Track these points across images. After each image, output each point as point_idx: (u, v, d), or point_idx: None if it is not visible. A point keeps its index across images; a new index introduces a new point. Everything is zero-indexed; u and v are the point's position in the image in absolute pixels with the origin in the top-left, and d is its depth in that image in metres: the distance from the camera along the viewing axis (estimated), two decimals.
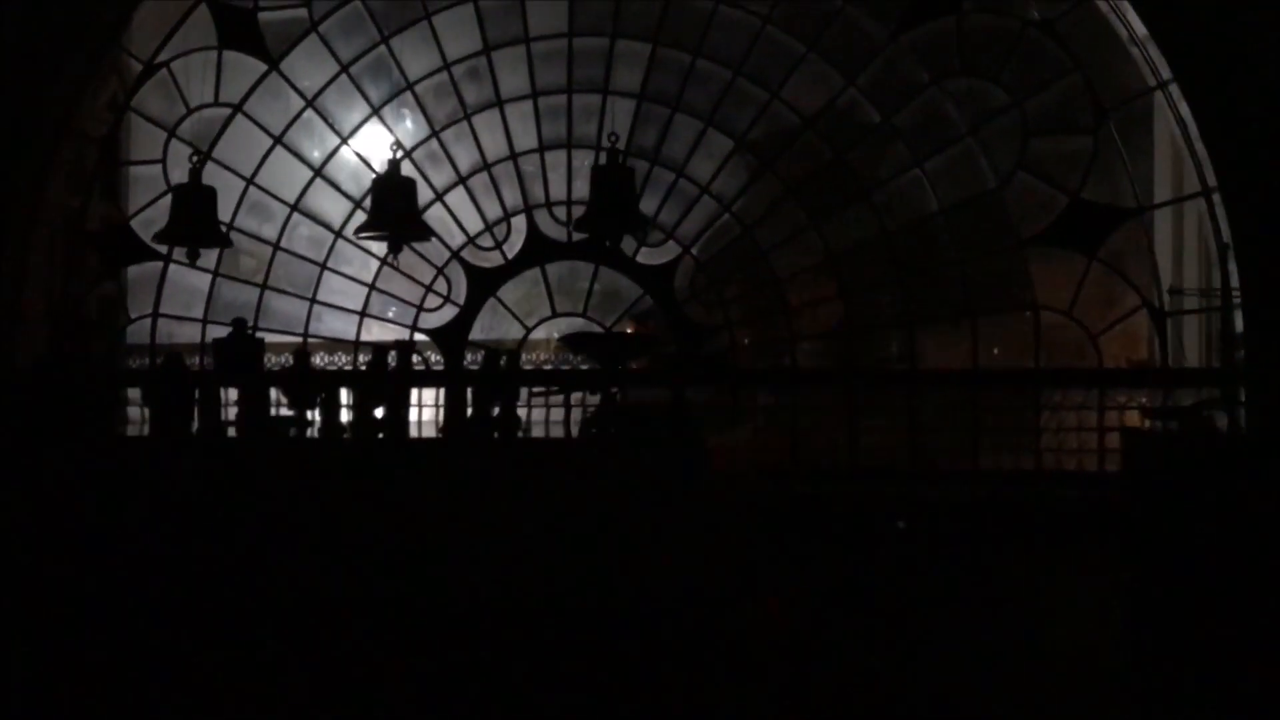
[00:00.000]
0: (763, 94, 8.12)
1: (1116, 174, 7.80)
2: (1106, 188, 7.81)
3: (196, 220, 5.72)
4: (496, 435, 5.41)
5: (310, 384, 5.65)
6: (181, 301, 8.73)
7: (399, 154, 5.75)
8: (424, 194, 8.43)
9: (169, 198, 8.52)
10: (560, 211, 8.36)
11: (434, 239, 8.38)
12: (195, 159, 5.84)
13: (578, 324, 8.43)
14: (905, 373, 7.95)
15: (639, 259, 8.27)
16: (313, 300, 8.48)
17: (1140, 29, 7.64)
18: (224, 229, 8.48)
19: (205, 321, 8.64)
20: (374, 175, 5.65)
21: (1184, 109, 7.62)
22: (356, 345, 8.52)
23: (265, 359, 8.51)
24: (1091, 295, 7.80)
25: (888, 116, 7.98)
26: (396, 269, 6.13)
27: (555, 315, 8.40)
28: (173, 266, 8.67)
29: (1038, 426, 7.87)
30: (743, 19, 8.15)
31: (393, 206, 5.60)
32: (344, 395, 6.91)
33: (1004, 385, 7.92)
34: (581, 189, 8.34)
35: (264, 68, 8.58)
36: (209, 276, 8.61)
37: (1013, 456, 7.92)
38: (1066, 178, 7.83)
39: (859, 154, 8.08)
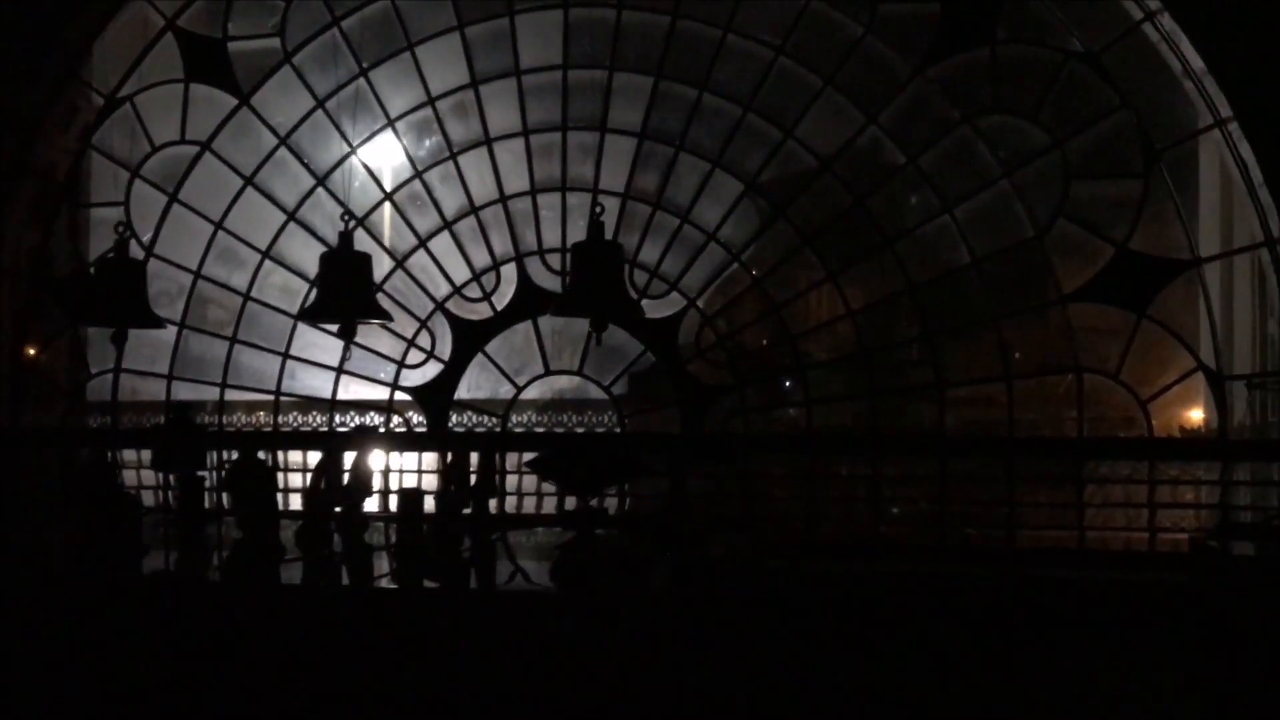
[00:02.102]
0: (776, 133, 7.38)
1: (1167, 222, 7.03)
2: (1156, 237, 7.04)
3: (122, 299, 4.99)
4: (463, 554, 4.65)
5: (258, 484, 4.92)
6: (146, 355, 8.06)
7: (350, 224, 5.01)
8: (406, 239, 7.81)
9: (131, 245, 8.01)
10: (554, 259, 7.65)
11: (419, 289, 7.77)
12: (121, 229, 5.12)
13: (574, 383, 7.74)
14: (933, 440, 7.19)
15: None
16: (285, 355, 7.80)
17: (1196, 62, 6.86)
18: (193, 277, 7.94)
19: (170, 378, 7.98)
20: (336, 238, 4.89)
21: (1245, 150, 6.84)
22: (333, 404, 7.83)
23: (232, 419, 7.92)
24: (1141, 356, 7.02)
25: (914, 158, 7.22)
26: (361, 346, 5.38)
27: (549, 373, 7.69)
28: None
29: (1081, 501, 7.10)
30: (753, 50, 7.42)
31: (344, 287, 4.88)
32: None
33: (1044, 455, 7.15)
34: (576, 235, 7.64)
35: (234, 102, 7.92)
36: (174, 329, 7.95)
37: (1053, 533, 7.15)
38: (1112, 226, 7.05)
39: (882, 199, 7.32)
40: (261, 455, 5.14)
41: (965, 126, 7.17)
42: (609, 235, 7.46)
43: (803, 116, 7.34)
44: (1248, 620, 4.92)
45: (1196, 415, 7.25)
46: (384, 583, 4.58)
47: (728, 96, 7.43)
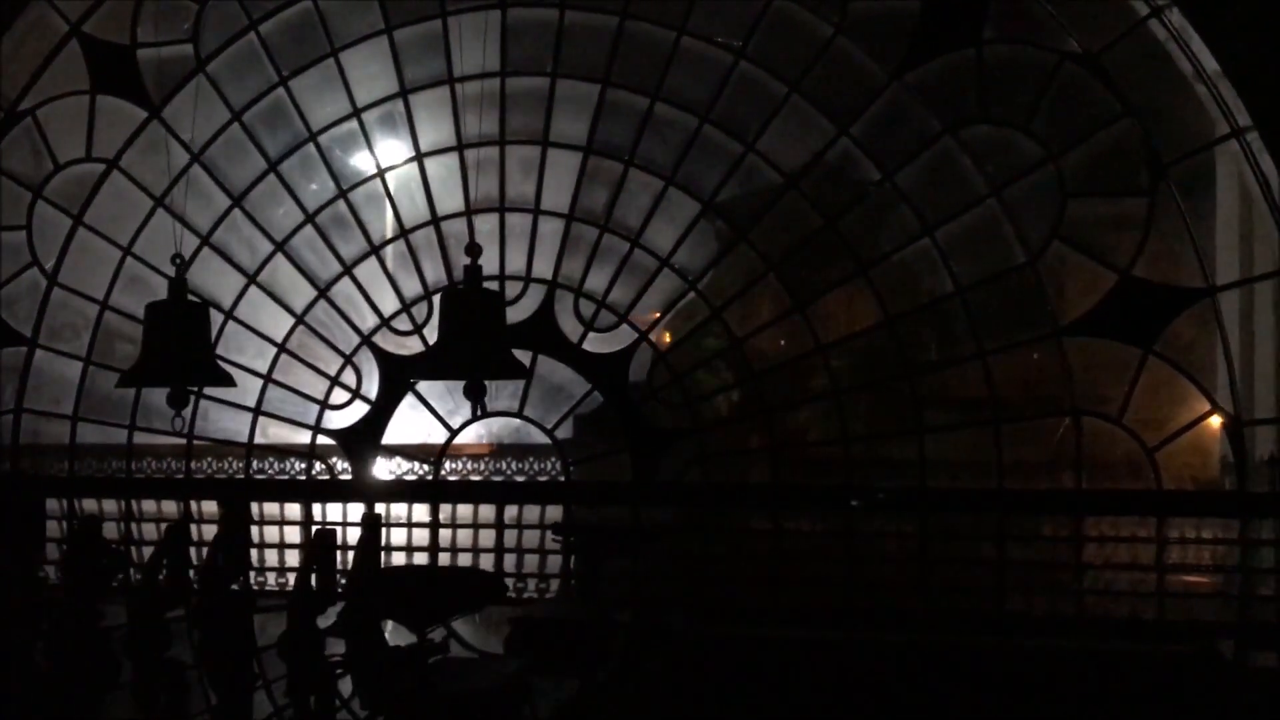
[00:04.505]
0: (736, 146, 6.59)
1: (1177, 245, 6.20)
2: (1164, 262, 6.21)
3: None
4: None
5: (103, 563, 4.18)
6: (49, 394, 7.35)
7: (180, 266, 4.27)
8: (330, 266, 7.07)
9: (34, 273, 7.34)
10: (491, 288, 6.85)
11: (343, 321, 7.03)
12: None
13: (513, 426, 6.96)
14: (914, 492, 6.37)
15: (586, 346, 6.78)
16: (199, 394, 7.01)
17: (1210, 63, 6.04)
18: (99, 308, 7.22)
19: (75, 419, 7.25)
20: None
21: (1265, 163, 6.02)
22: (249, 449, 7.07)
23: (141, 465, 7.22)
24: (1148, 398, 6.20)
25: (890, 174, 6.41)
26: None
27: (486, 414, 6.90)
28: (39, 353, 7.31)
29: (1080, 562, 6.30)
30: (711, 54, 6.63)
31: (174, 343, 4.12)
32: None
33: (1037, 510, 6.35)
34: (517, 260, 6.88)
35: (145, 115, 7.19)
36: (79, 365, 7.23)
37: (1049, 597, 6.36)
38: (1115, 250, 6.23)
39: (855, 220, 6.52)
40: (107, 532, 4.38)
41: (948, 138, 6.35)
42: (553, 260, 6.78)
43: (766, 128, 6.55)
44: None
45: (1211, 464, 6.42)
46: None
47: (683, 106, 6.64)
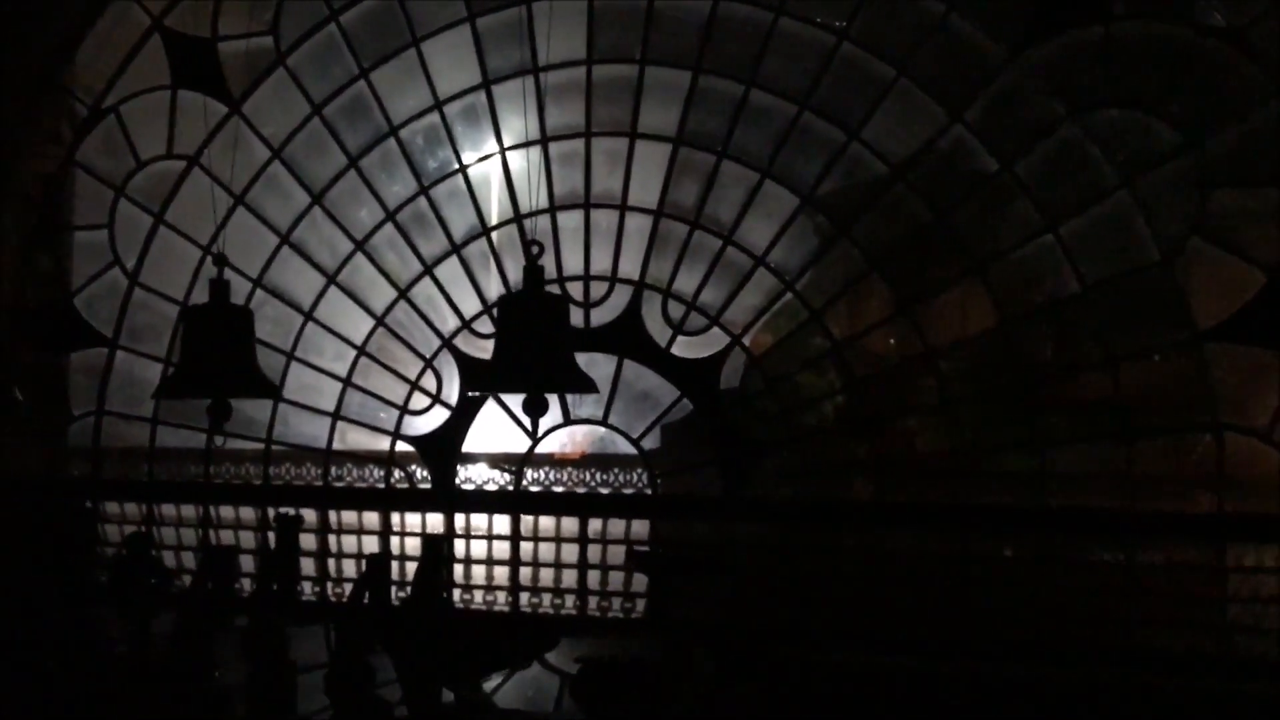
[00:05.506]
0: (838, 135, 6.10)
1: None
2: None
3: None
4: None
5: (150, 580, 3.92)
6: (130, 396, 7.21)
7: (222, 270, 3.96)
8: (411, 266, 6.78)
9: (113, 273, 7.22)
10: (575, 289, 6.50)
11: (423, 323, 6.74)
12: None
13: (598, 434, 6.59)
14: (1028, 513, 5.81)
15: (675, 350, 6.37)
16: (277, 398, 6.78)
17: None
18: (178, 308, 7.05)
19: (155, 422, 7.10)
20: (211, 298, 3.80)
21: None
22: (328, 455, 6.83)
23: (219, 470, 7.06)
24: None
25: (1008, 163, 5.85)
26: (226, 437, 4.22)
27: (569, 421, 6.54)
28: (120, 355, 7.18)
29: (1224, 595, 5.66)
30: (811, 36, 6.15)
31: (215, 350, 3.80)
32: None
33: (1173, 535, 5.72)
34: (602, 260, 6.50)
35: (223, 110, 7.00)
36: (159, 367, 7.08)
37: (1185, 634, 5.73)
38: (1262, 246, 5.57)
39: (969, 214, 5.98)
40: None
41: (1073, 124, 5.77)
42: (640, 259, 6.40)
43: (871, 115, 6.05)
44: None
45: None
46: None
47: (780, 93, 6.17)
